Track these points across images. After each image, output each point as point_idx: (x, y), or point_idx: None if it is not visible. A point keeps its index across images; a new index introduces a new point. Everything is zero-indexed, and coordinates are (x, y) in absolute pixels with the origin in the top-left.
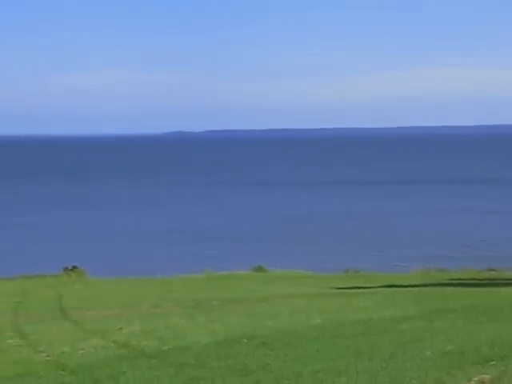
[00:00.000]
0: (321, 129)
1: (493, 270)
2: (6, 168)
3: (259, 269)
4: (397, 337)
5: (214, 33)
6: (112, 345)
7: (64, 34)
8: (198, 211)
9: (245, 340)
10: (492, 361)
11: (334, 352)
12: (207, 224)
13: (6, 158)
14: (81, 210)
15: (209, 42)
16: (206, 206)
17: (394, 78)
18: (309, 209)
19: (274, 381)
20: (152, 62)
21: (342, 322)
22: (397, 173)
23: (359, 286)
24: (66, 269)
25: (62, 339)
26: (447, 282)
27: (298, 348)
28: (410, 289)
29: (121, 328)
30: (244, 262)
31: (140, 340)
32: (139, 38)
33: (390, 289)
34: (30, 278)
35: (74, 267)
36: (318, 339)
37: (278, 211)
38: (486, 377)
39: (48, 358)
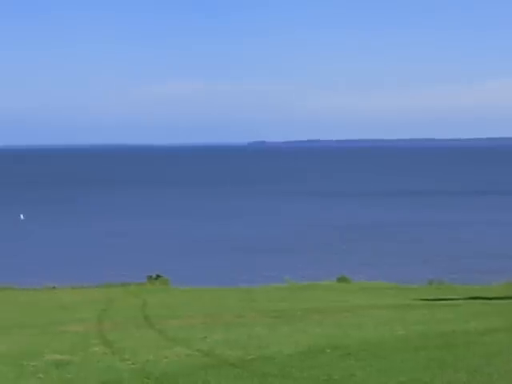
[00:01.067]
0: (411, 139)
1: None
2: (92, 176)
3: (342, 279)
4: (481, 349)
5: (302, 44)
6: (196, 353)
7: (152, 48)
8: (276, 220)
9: (328, 350)
10: None
11: (418, 364)
12: (286, 233)
13: (93, 166)
14: (162, 218)
15: (298, 53)
16: (285, 215)
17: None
18: (390, 219)
19: None
20: (238, 73)
21: (426, 334)
22: (479, 183)
23: (443, 297)
24: (149, 277)
25: (147, 347)
26: None
27: (383, 359)
28: (495, 301)
29: (205, 337)
30: (326, 271)
31: (224, 349)
32: (224, 49)
33: (474, 301)
34: (115, 286)
35: (158, 276)
36: (403, 350)
37: (357, 221)
38: None
39: (133, 366)
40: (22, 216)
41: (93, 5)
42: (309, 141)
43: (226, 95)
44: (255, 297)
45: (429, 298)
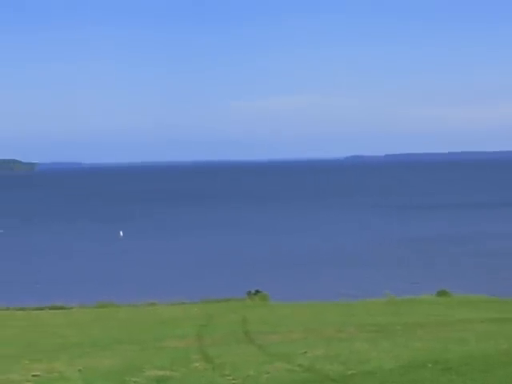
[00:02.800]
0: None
1: None
2: (192, 192)
3: (443, 293)
4: None
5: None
6: (297, 368)
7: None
8: (371, 234)
9: (430, 365)
10: None
11: None
12: (381, 246)
13: (196, 182)
14: (259, 233)
15: (390, 65)
16: (378, 229)
17: None
18: (489, 230)
19: None
20: (330, 87)
21: None
22: None
23: None
24: (249, 293)
25: (247, 362)
26: None
27: (486, 373)
28: None
29: (305, 352)
30: (425, 285)
31: (324, 364)
32: (319, 64)
33: None
34: (214, 302)
35: (257, 291)
36: (507, 365)
37: (454, 232)
38: None
39: (234, 382)
40: (121, 233)
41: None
42: (409, 154)
43: (320, 108)
44: (355, 311)
45: None
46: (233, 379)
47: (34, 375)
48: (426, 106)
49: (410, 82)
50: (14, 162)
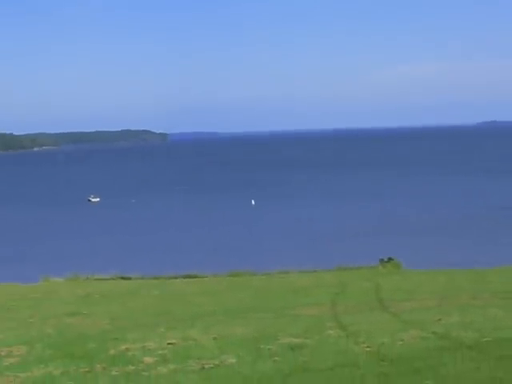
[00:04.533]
0: None
1: None
2: (324, 160)
3: None
4: None
5: None
6: (431, 336)
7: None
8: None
9: None
10: None
11: None
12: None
13: (335, 150)
14: (387, 200)
15: None
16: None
17: None
18: None
19: None
20: (472, 52)
21: None
22: None
23: None
24: (381, 261)
25: (381, 330)
26: None
27: None
28: None
29: (439, 319)
30: None
31: (459, 331)
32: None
33: None
34: (347, 269)
35: (390, 259)
36: None
37: None
38: None
39: (368, 349)
40: (252, 201)
41: None
42: None
43: (458, 75)
44: (489, 278)
45: None
46: (367, 347)
47: (169, 343)
48: None
49: None
50: (147, 132)
